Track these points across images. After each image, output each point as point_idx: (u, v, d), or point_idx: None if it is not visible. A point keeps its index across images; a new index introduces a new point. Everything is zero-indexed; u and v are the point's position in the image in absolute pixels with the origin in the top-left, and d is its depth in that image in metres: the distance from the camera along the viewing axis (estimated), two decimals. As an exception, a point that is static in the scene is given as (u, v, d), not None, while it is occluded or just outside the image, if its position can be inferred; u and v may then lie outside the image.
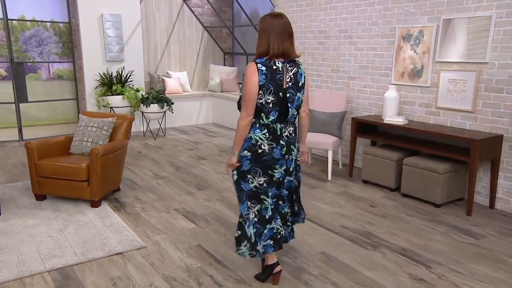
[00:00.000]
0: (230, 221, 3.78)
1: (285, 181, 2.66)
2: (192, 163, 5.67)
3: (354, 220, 3.82)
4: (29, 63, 7.31)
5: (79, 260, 3.01)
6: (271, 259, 2.73)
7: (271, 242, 2.64)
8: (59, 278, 2.82)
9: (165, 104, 7.04)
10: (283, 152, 2.57)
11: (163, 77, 8.19)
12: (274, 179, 2.60)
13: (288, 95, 2.50)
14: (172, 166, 5.50)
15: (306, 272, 2.92)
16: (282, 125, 2.55)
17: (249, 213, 2.63)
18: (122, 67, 7.25)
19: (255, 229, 2.63)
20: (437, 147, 4.24)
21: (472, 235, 3.54)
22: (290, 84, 2.50)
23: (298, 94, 2.55)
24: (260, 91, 2.43)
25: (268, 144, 2.53)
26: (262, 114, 2.49)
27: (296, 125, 2.69)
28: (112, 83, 6.98)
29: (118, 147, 4.20)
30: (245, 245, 2.68)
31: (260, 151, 2.53)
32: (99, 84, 7.07)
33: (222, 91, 8.46)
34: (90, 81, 7.08)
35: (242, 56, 8.92)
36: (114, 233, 3.46)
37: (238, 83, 8.51)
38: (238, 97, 2.60)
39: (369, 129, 4.98)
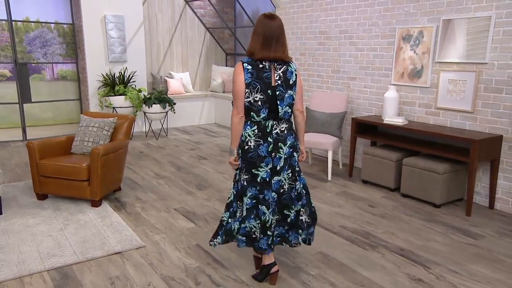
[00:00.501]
0: (229, 221, 3.79)
1: (273, 181, 2.60)
2: (193, 163, 5.70)
3: (353, 220, 3.82)
4: (33, 64, 7.38)
5: (78, 260, 3.04)
6: (268, 259, 2.73)
7: (244, 238, 2.66)
8: (58, 277, 2.85)
9: (167, 104, 7.08)
10: (269, 150, 2.57)
11: (166, 77, 8.23)
12: (258, 179, 2.58)
13: (277, 92, 2.54)
14: (173, 166, 5.53)
15: (304, 272, 2.93)
16: (274, 122, 2.58)
17: (231, 212, 2.72)
18: (124, 68, 7.29)
19: (237, 224, 2.68)
20: (436, 147, 4.24)
21: (471, 235, 3.54)
22: (279, 82, 2.54)
23: (290, 91, 2.57)
24: (247, 90, 2.51)
25: (254, 141, 2.57)
26: (252, 112, 2.54)
27: (292, 122, 2.69)
28: (114, 84, 7.02)
29: (119, 147, 4.23)
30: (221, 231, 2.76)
31: (246, 147, 2.58)
32: (102, 85, 7.12)
33: (224, 92, 8.49)
34: (93, 82, 7.13)
35: (244, 57, 8.91)
36: (113, 233, 3.49)
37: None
38: None
39: (369, 129, 4.99)
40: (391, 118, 4.55)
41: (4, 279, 2.78)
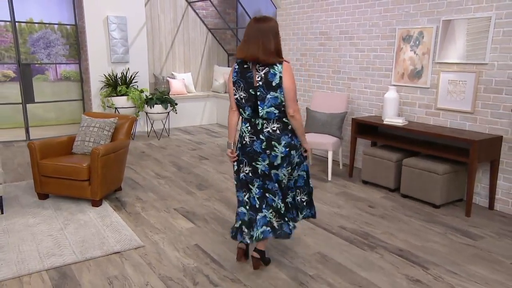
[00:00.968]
0: (228, 220, 3.81)
1: (272, 174, 2.75)
2: (194, 163, 5.72)
3: (352, 221, 3.82)
4: (36, 65, 7.43)
5: (77, 259, 3.06)
6: (260, 244, 2.90)
7: (268, 228, 2.77)
8: (56, 277, 2.87)
9: (168, 104, 7.10)
10: (263, 147, 2.70)
11: (168, 78, 8.26)
12: (259, 171, 2.76)
13: (258, 93, 2.62)
14: (174, 166, 5.55)
15: (302, 272, 2.94)
16: (264, 121, 2.69)
17: (243, 200, 2.86)
18: (127, 69, 7.33)
19: (248, 217, 2.81)
20: (436, 148, 4.23)
21: (470, 236, 3.53)
22: (260, 83, 2.61)
23: (273, 93, 2.59)
24: (234, 87, 2.72)
25: (249, 137, 2.75)
26: (240, 109, 2.75)
27: (287, 122, 2.70)
28: (117, 84, 7.06)
29: (120, 147, 4.26)
30: (234, 226, 2.90)
31: (243, 142, 2.78)
32: (104, 85, 7.15)
33: (225, 92, 8.50)
34: (96, 82, 7.17)
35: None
36: (113, 233, 3.51)
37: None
38: None
39: (369, 129, 4.98)
40: (391, 118, 4.55)
41: (3, 278, 2.81)
